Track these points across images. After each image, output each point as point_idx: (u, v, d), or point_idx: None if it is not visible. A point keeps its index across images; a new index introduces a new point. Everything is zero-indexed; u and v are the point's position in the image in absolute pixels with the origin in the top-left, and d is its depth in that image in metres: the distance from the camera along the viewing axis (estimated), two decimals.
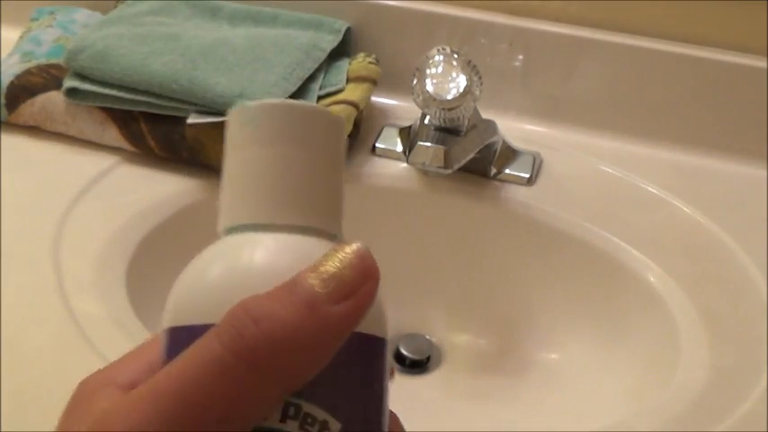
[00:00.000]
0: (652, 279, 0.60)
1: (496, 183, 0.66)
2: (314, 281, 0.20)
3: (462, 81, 0.61)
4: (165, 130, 0.65)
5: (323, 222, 0.24)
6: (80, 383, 0.23)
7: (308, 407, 0.21)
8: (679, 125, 0.69)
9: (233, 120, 0.24)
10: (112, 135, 0.67)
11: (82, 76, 0.67)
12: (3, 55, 0.73)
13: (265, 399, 0.20)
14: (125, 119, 0.67)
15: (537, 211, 0.65)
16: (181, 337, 0.22)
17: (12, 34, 0.76)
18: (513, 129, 0.69)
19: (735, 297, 0.59)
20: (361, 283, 0.20)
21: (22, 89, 0.68)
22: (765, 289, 0.58)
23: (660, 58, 0.68)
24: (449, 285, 0.68)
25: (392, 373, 0.24)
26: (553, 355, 0.64)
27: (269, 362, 0.19)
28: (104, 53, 0.66)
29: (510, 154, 0.67)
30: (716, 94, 0.68)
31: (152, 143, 0.66)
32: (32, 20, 0.76)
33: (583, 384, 0.61)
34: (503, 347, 0.66)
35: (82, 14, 0.76)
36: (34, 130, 0.69)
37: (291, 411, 0.21)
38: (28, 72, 0.69)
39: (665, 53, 0.68)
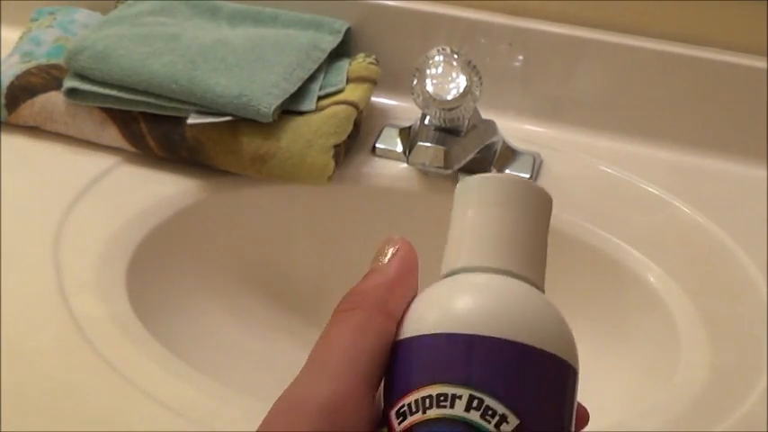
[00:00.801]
0: (652, 279, 0.60)
1: None
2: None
3: (462, 81, 0.61)
4: (165, 130, 0.66)
5: (529, 271, 0.29)
6: (270, 414, 0.26)
7: (489, 400, 0.25)
8: (679, 125, 0.69)
9: (461, 188, 0.30)
10: (112, 135, 0.67)
11: (82, 77, 0.67)
12: (3, 55, 0.73)
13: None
14: (125, 119, 0.67)
15: None
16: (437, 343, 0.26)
17: (12, 34, 0.76)
18: (513, 129, 0.69)
19: (735, 297, 0.59)
20: None
21: (22, 89, 0.68)
22: (765, 289, 0.58)
23: (660, 58, 0.68)
24: None
25: (586, 418, 0.30)
26: None
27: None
28: (104, 53, 0.66)
29: (510, 154, 0.67)
30: (716, 94, 0.68)
31: (152, 143, 0.66)
32: (32, 20, 0.76)
33: (583, 384, 0.61)
34: None
35: (82, 15, 0.76)
36: (34, 130, 0.69)
37: (475, 403, 0.25)
38: (28, 72, 0.69)
39: (665, 53, 0.68)
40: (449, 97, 0.60)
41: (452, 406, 0.25)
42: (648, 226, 0.64)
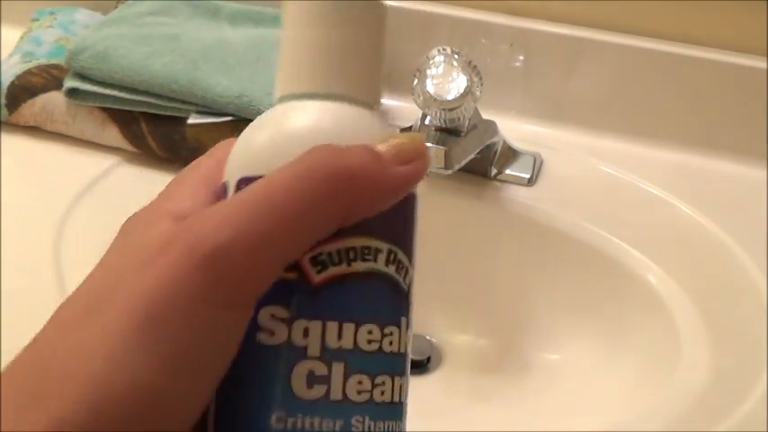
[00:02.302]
0: (652, 279, 0.60)
1: (497, 183, 0.66)
2: (382, 147, 0.24)
3: (463, 81, 0.61)
4: (166, 130, 0.66)
5: (361, 93, 0.27)
6: (127, 220, 0.26)
7: (400, 254, 0.25)
8: (679, 125, 0.69)
9: (285, 7, 0.27)
10: (113, 135, 0.67)
11: (82, 77, 0.67)
12: (3, 55, 0.73)
13: (329, 220, 0.23)
14: (125, 119, 0.67)
15: (537, 212, 0.65)
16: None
17: (12, 34, 0.76)
18: (514, 129, 0.69)
19: (735, 297, 0.59)
20: (417, 157, 0.25)
21: (23, 89, 0.68)
22: (765, 289, 0.58)
23: (660, 58, 0.68)
24: (449, 286, 0.68)
25: None
26: (553, 356, 0.64)
27: (341, 189, 0.23)
28: (105, 53, 0.66)
29: (510, 154, 0.67)
30: (716, 94, 0.68)
31: (152, 143, 0.66)
32: (33, 20, 0.76)
33: (583, 384, 0.61)
34: (503, 348, 0.66)
35: (82, 15, 0.76)
36: (35, 130, 0.69)
37: (392, 257, 0.25)
38: (29, 72, 0.70)
39: (665, 53, 0.68)
40: (449, 97, 0.60)
41: (376, 260, 0.24)
42: (648, 226, 0.64)
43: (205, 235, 0.22)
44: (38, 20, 0.76)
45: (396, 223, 0.25)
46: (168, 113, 0.65)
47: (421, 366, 0.66)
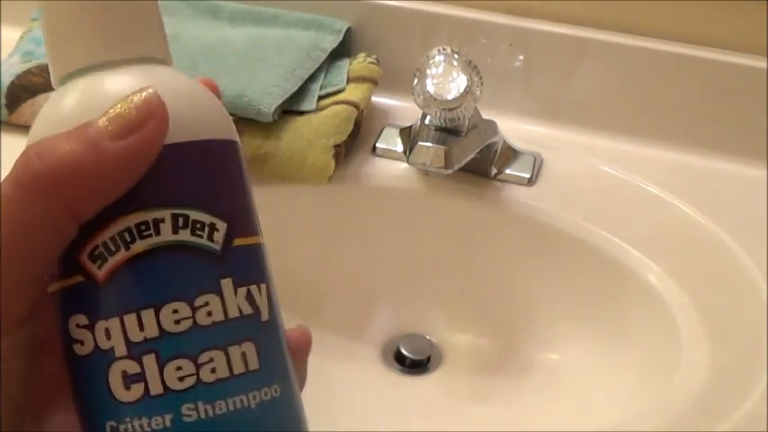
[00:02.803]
0: (652, 279, 0.60)
1: (497, 183, 0.66)
2: (102, 121, 0.22)
3: (463, 81, 0.61)
4: None
5: (137, 50, 0.25)
6: None
7: (194, 214, 0.23)
8: (679, 125, 0.69)
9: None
10: None
11: None
12: (3, 55, 0.73)
13: (55, 226, 0.21)
14: None
15: (537, 212, 0.65)
16: None
17: (12, 34, 0.76)
18: (514, 129, 0.69)
19: (735, 297, 0.59)
20: (143, 122, 0.22)
21: (23, 89, 0.68)
22: (765, 289, 0.58)
23: (660, 58, 0.68)
24: (449, 286, 0.68)
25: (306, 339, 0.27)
26: (553, 356, 0.64)
27: (51, 191, 0.21)
28: None
29: (510, 154, 0.67)
30: (716, 94, 0.68)
31: None
32: (33, 20, 0.76)
33: (583, 384, 0.61)
34: (503, 348, 0.66)
35: None
36: None
37: (181, 222, 0.22)
38: (29, 72, 0.70)
39: (665, 53, 0.68)
40: (449, 97, 0.60)
41: (158, 232, 0.22)
42: (648, 226, 0.64)
43: None
44: (38, 19, 0.76)
45: (177, 181, 0.23)
46: None
47: (421, 366, 0.66)
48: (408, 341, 0.66)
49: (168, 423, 0.22)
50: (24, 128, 0.69)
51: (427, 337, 0.67)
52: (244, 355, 0.23)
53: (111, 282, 0.22)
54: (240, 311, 0.23)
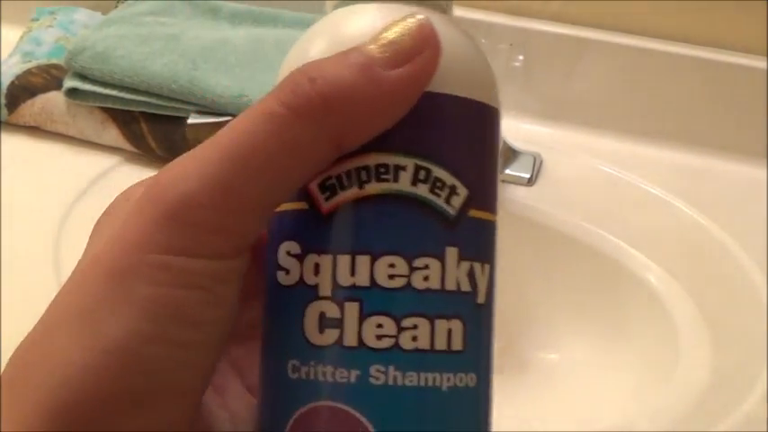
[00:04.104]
0: (652, 279, 0.60)
1: None
2: (372, 46, 0.21)
3: None
4: (166, 130, 0.66)
5: None
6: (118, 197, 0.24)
7: (437, 171, 0.21)
8: (679, 125, 0.69)
9: None
10: (113, 135, 0.67)
11: (82, 77, 0.67)
12: (3, 55, 0.73)
13: (318, 151, 0.20)
14: (125, 119, 0.67)
15: (537, 212, 0.65)
16: None
17: (12, 34, 0.76)
18: (514, 129, 0.69)
19: (735, 297, 0.59)
20: (418, 50, 0.21)
21: (23, 89, 0.68)
22: (765, 289, 0.58)
23: (660, 58, 0.68)
24: None
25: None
26: (553, 356, 0.64)
27: (321, 116, 0.20)
28: (105, 53, 0.66)
29: (510, 154, 0.67)
30: (716, 94, 0.68)
31: (152, 143, 0.66)
32: (33, 20, 0.76)
33: (583, 384, 0.61)
34: (502, 347, 0.66)
35: (82, 15, 0.76)
36: (34, 130, 0.69)
37: (422, 175, 0.21)
38: (28, 72, 0.70)
39: (665, 53, 0.68)
40: None
41: (396, 179, 0.21)
42: (648, 226, 0.64)
43: (168, 186, 0.20)
44: (38, 20, 0.76)
45: (429, 133, 0.21)
46: (168, 113, 0.65)
47: None
48: None
49: (353, 379, 0.20)
50: (24, 128, 0.69)
51: None
52: (450, 332, 0.21)
53: (334, 217, 0.21)
54: (458, 286, 0.21)
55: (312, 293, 0.21)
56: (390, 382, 0.20)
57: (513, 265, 0.66)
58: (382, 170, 0.21)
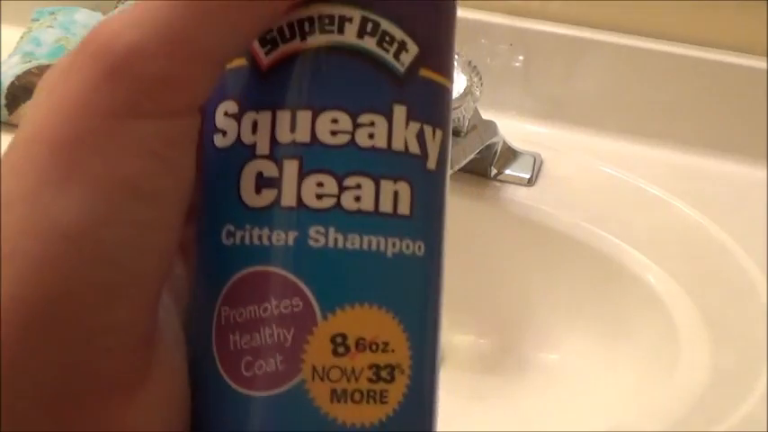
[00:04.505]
0: (652, 279, 0.60)
1: (497, 183, 0.66)
2: None
3: (462, 82, 0.61)
4: None
5: None
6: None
7: (386, 25, 0.20)
8: (679, 125, 0.69)
9: None
10: None
11: None
12: (3, 55, 0.73)
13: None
14: None
15: (537, 212, 0.65)
16: None
17: (12, 35, 0.76)
18: (514, 129, 0.69)
19: (735, 297, 0.59)
20: None
21: (23, 89, 0.68)
22: (765, 289, 0.58)
23: (660, 58, 0.68)
24: (449, 286, 0.68)
25: None
26: (553, 356, 0.64)
27: None
28: None
29: (510, 155, 0.67)
30: (716, 94, 0.68)
31: None
32: (33, 20, 0.76)
33: (583, 385, 0.61)
34: (503, 348, 0.66)
35: (82, 15, 0.76)
36: None
37: (369, 28, 0.20)
38: (29, 72, 0.70)
39: (665, 53, 0.68)
40: None
41: (341, 31, 0.20)
42: (648, 226, 0.64)
43: (111, 37, 0.17)
44: (38, 20, 0.76)
45: (416, 9, 0.20)
46: None
47: None
48: None
49: (290, 241, 0.19)
50: None
51: None
52: (396, 194, 0.20)
53: (274, 71, 0.20)
54: (406, 147, 0.20)
55: (249, 153, 0.19)
56: (331, 244, 0.19)
57: (513, 265, 0.66)
58: (326, 21, 0.19)
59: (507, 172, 0.66)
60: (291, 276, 0.19)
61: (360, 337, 0.19)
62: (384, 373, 0.20)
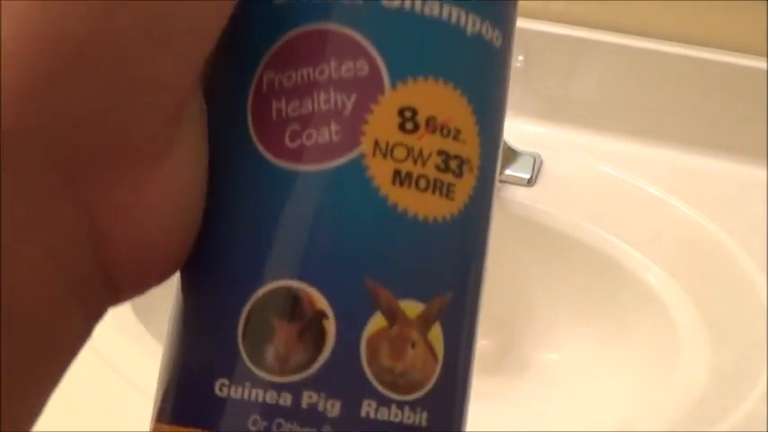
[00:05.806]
0: (652, 279, 0.60)
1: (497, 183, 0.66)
2: None
3: None
4: None
5: None
6: None
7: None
8: (679, 125, 0.69)
9: None
10: None
11: None
12: None
13: None
14: None
15: (537, 212, 0.65)
16: None
17: None
18: (514, 129, 0.69)
19: (735, 297, 0.59)
20: None
21: None
22: (765, 289, 0.58)
23: (660, 58, 0.68)
24: None
25: None
26: (553, 356, 0.64)
27: None
28: None
29: (510, 155, 0.67)
30: (716, 94, 0.68)
31: None
32: None
33: (583, 384, 0.61)
34: (503, 348, 0.66)
35: None
36: None
37: None
38: None
39: (665, 53, 0.68)
40: None
41: None
42: (648, 226, 0.64)
43: None
44: None
45: None
46: None
47: None
48: None
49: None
50: None
51: None
52: None
53: None
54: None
55: None
56: (407, 6, 0.17)
57: (513, 265, 0.66)
58: None
59: (507, 172, 0.66)
60: (358, 35, 0.16)
61: (431, 115, 0.17)
62: (453, 165, 0.17)
